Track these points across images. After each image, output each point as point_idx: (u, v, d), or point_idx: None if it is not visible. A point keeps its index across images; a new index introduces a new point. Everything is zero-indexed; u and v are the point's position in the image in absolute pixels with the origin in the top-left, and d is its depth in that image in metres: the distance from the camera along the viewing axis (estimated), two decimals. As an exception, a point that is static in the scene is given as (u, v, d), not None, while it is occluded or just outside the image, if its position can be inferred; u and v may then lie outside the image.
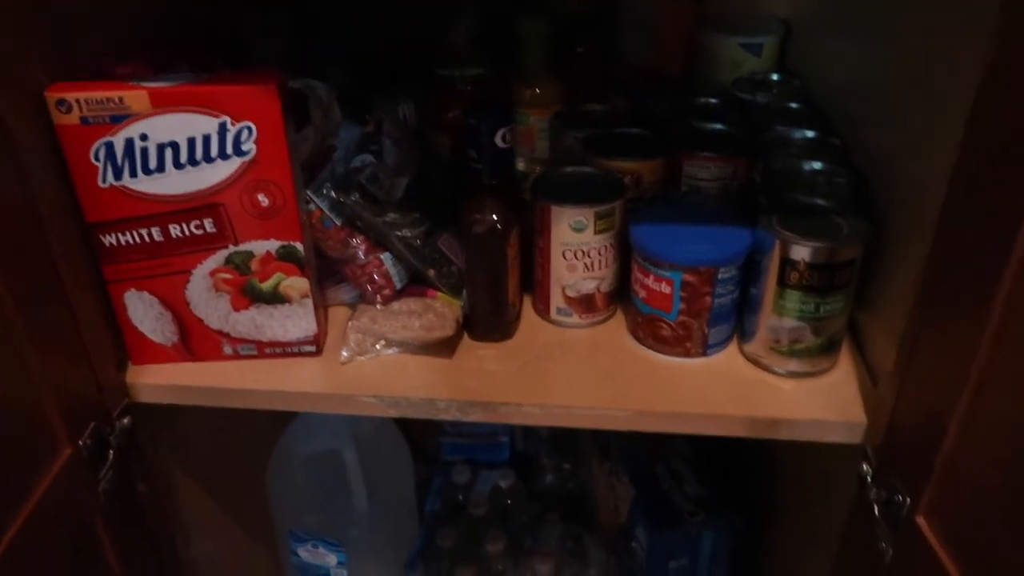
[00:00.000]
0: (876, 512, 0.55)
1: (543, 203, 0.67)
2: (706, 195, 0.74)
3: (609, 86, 0.89)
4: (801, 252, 0.59)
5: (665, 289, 0.64)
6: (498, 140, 0.63)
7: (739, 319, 0.67)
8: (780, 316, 0.62)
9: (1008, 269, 0.42)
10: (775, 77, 0.93)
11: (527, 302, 0.74)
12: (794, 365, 0.63)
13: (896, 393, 0.55)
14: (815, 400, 0.62)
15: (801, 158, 0.72)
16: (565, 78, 0.87)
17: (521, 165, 0.85)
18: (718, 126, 0.79)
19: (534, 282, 0.72)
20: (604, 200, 0.66)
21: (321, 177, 0.68)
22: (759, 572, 1.01)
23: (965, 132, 0.46)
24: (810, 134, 0.78)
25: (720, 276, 0.62)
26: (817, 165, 0.71)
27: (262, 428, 0.98)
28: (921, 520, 0.50)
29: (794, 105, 0.85)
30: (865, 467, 0.57)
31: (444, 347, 0.68)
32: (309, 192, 0.66)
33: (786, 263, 0.60)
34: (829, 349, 0.63)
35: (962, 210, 0.47)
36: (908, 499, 0.51)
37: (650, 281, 0.64)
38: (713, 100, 0.87)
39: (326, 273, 0.72)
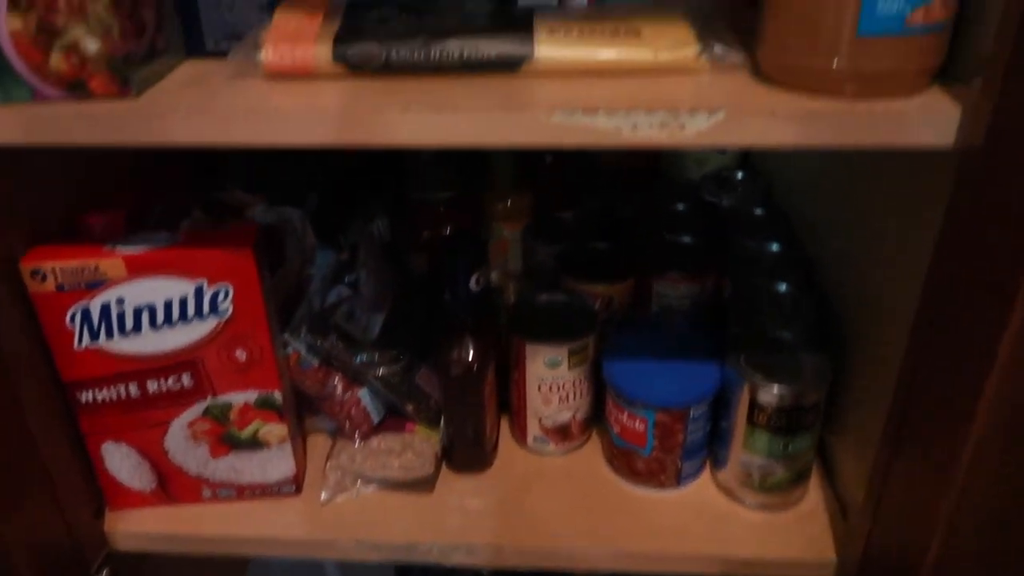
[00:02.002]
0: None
1: (518, 339, 0.68)
2: (677, 315, 0.76)
3: (579, 190, 0.91)
4: (768, 396, 0.61)
5: (639, 427, 0.65)
6: (472, 284, 0.64)
7: (711, 448, 0.68)
8: (750, 453, 0.63)
9: (982, 399, 0.44)
10: (740, 175, 0.96)
11: (505, 424, 0.75)
12: (765, 499, 0.65)
13: (867, 531, 0.57)
14: (785, 537, 0.63)
15: (768, 278, 0.75)
16: (535, 188, 0.89)
17: (495, 276, 0.86)
18: (686, 238, 0.82)
19: (511, 408, 0.73)
20: (577, 335, 0.68)
21: (298, 316, 0.68)
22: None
23: (932, 259, 0.48)
24: (775, 247, 0.81)
25: (692, 414, 0.64)
26: (783, 287, 0.74)
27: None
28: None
29: (759, 211, 0.88)
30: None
31: (424, 482, 0.68)
32: (286, 335, 0.67)
33: (754, 405, 0.62)
34: (799, 480, 0.65)
35: (931, 340, 0.48)
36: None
37: (624, 418, 0.66)
38: (680, 206, 0.89)
39: (305, 402, 0.72)
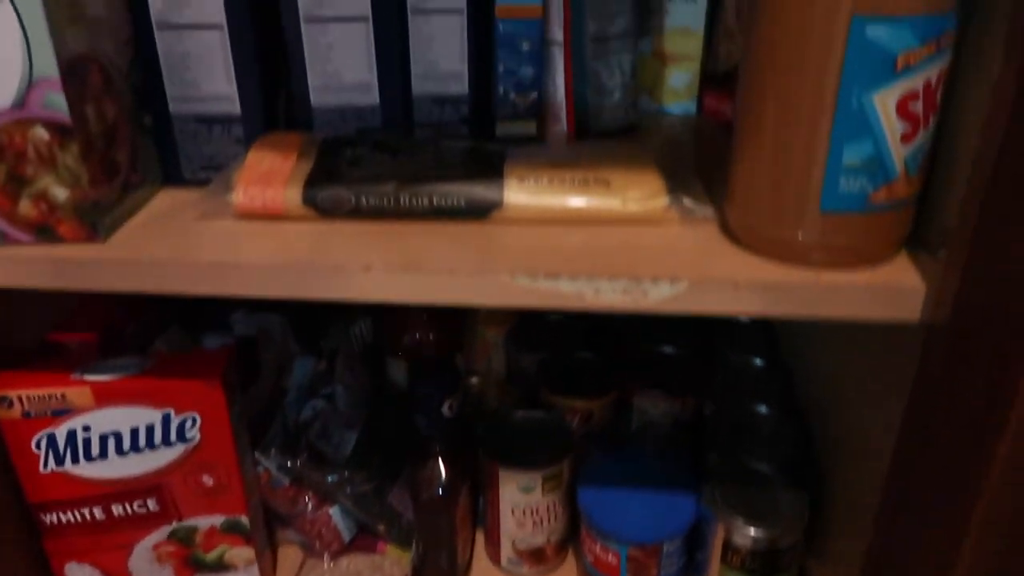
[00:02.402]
0: None
1: (491, 463, 0.67)
2: (656, 434, 0.75)
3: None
4: (743, 539, 0.59)
5: (612, 560, 0.64)
6: (445, 410, 0.64)
7: (688, 578, 0.67)
8: (726, 591, 0.62)
9: (968, 539, 0.43)
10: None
11: (480, 539, 0.73)
12: (742, 638, 0.63)
13: None
14: None
15: (750, 397, 0.74)
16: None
17: (475, 381, 0.86)
18: (670, 349, 0.81)
19: (485, 527, 0.72)
20: (552, 461, 0.66)
21: (270, 434, 0.68)
22: None
23: (903, 418, 0.47)
24: (759, 362, 0.80)
25: (666, 550, 0.63)
26: (764, 409, 0.73)
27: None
28: None
29: (745, 322, 0.87)
30: None
31: (392, 606, 0.67)
32: (257, 453, 0.66)
33: (728, 546, 0.60)
34: (777, 619, 0.63)
35: (912, 472, 0.47)
36: None
37: (597, 549, 0.64)
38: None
39: (276, 516, 0.71)
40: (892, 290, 0.43)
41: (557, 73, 0.61)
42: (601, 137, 0.66)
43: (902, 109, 0.39)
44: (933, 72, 0.39)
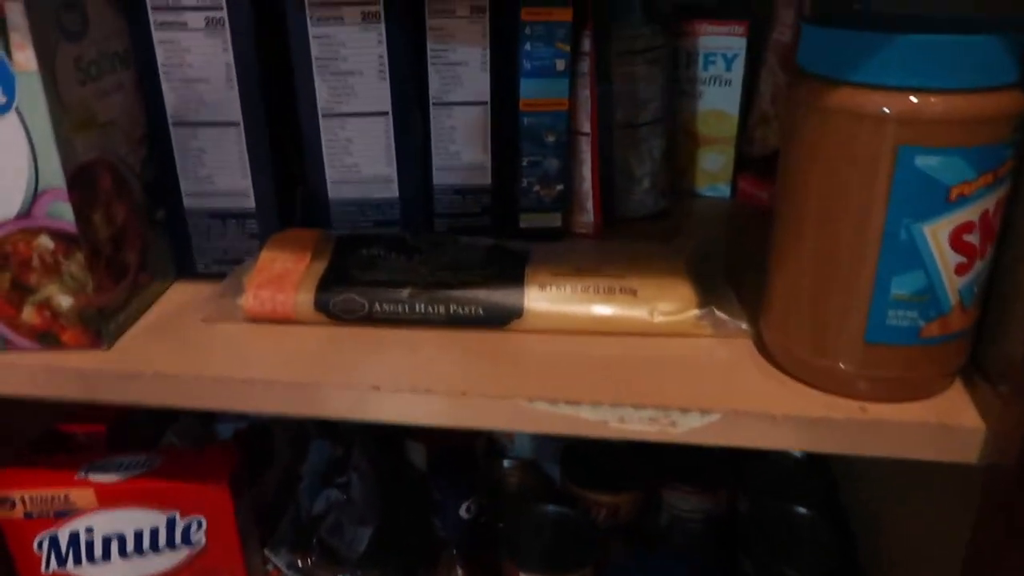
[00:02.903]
0: None
1: (511, 566, 0.63)
2: (685, 533, 0.71)
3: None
4: (779, 668, 0.55)
5: None
6: (463, 512, 0.61)
7: None
8: None
9: None
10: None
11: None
12: None
13: None
14: None
15: (788, 492, 0.69)
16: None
17: (506, 464, 0.82)
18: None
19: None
20: (576, 566, 0.63)
21: (281, 529, 0.65)
22: None
23: (975, 529, 0.42)
24: (798, 455, 0.76)
25: (695, 672, 0.58)
26: (802, 509, 0.68)
27: None
28: None
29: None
30: None
31: None
32: (267, 551, 0.63)
33: (764, 673, 0.56)
34: None
35: None
36: None
37: (621, 666, 0.60)
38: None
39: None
40: (947, 429, 0.39)
41: (584, 163, 0.59)
42: (629, 224, 0.63)
43: (956, 240, 0.36)
44: (991, 202, 0.35)
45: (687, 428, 0.41)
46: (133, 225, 0.49)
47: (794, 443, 0.40)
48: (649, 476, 0.73)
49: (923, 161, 0.34)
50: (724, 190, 0.70)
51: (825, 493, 0.71)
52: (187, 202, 0.53)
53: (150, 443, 0.63)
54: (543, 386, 0.42)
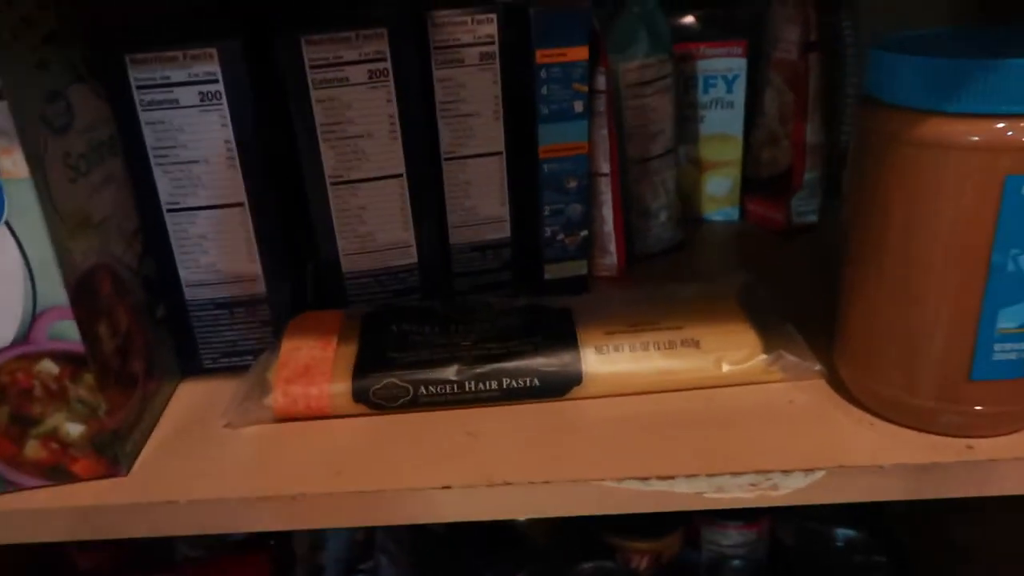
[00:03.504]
0: None
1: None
2: (730, 571, 0.68)
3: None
4: None
5: None
6: (514, 587, 0.56)
7: None
8: None
9: None
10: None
11: None
12: None
13: None
14: None
15: (832, 520, 0.68)
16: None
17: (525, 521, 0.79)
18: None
19: None
20: (635, 627, 0.60)
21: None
22: None
23: None
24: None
25: None
26: (851, 533, 0.67)
27: None
28: None
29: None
30: None
31: None
32: (302, 657, 0.58)
33: None
34: None
35: None
36: None
37: None
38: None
39: None
40: (1060, 460, 0.37)
41: (604, 205, 0.56)
42: (649, 260, 0.61)
43: (1064, 267, 0.34)
44: (1095, 224, 0.34)
45: (791, 490, 0.38)
46: (137, 330, 0.44)
47: (904, 492, 0.38)
48: (687, 514, 0.70)
49: (1033, 190, 0.32)
50: (732, 213, 0.68)
51: (869, 511, 0.70)
52: (189, 293, 0.48)
53: (161, 558, 0.56)
54: (628, 462, 0.39)
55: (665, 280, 0.52)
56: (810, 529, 0.67)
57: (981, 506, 0.51)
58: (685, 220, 0.66)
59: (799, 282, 0.56)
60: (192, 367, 0.50)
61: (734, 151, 0.66)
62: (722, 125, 0.65)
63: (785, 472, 0.38)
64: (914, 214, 0.35)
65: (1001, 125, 0.32)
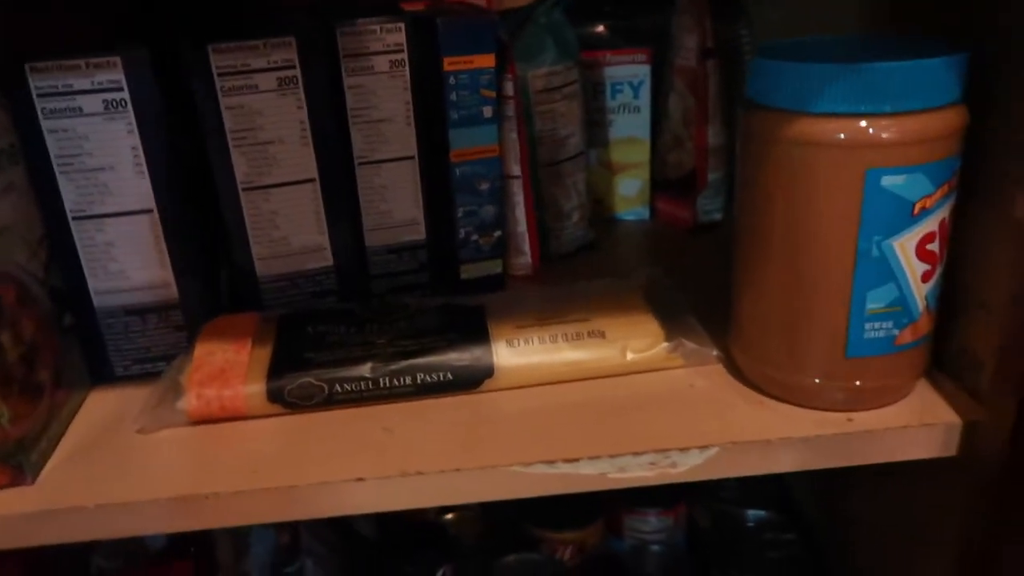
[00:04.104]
0: None
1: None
2: (652, 557, 0.71)
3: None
4: None
5: None
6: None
7: None
8: None
9: None
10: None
11: None
12: None
13: None
14: None
15: (743, 502, 0.71)
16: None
17: (450, 517, 0.79)
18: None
19: None
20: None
21: (239, 637, 0.60)
22: None
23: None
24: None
25: None
26: (761, 513, 0.70)
27: None
28: None
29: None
30: None
31: None
32: (227, 665, 0.58)
33: None
34: None
35: None
36: None
37: None
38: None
39: None
40: (929, 428, 0.40)
41: (517, 206, 0.58)
42: (563, 260, 0.63)
43: (921, 251, 0.37)
44: (946, 211, 0.37)
45: (688, 467, 0.40)
46: (43, 339, 0.43)
47: (791, 464, 0.41)
48: (607, 504, 0.72)
49: (889, 181, 0.35)
50: (643, 212, 0.71)
51: (776, 491, 0.73)
52: (98, 301, 0.47)
53: (76, 572, 0.55)
54: (536, 447, 0.41)
55: (578, 278, 0.55)
56: (723, 512, 0.70)
57: (873, 478, 0.54)
58: (598, 220, 0.69)
59: (704, 276, 0.58)
60: (104, 374, 0.49)
61: (642, 154, 0.69)
62: (630, 129, 0.68)
63: (682, 450, 0.40)
64: (791, 207, 0.38)
65: (861, 122, 0.35)
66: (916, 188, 0.35)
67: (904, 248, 0.37)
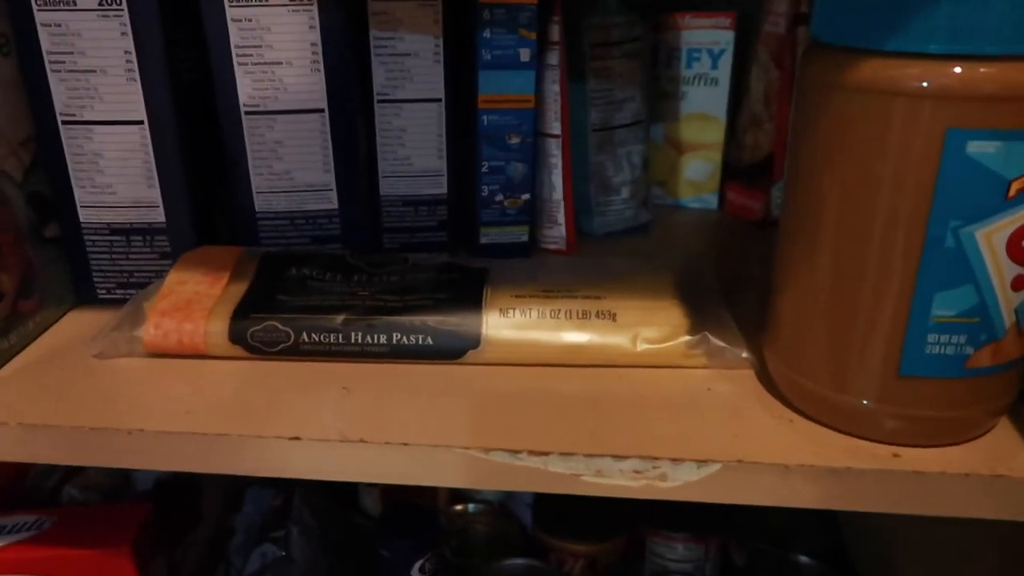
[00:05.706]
0: None
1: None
2: (675, 588, 0.63)
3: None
4: None
5: None
6: (415, 573, 0.52)
7: None
8: None
9: None
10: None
11: None
12: None
13: None
14: None
15: (786, 541, 0.62)
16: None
17: (458, 509, 0.74)
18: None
19: None
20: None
21: (208, 596, 0.56)
22: None
23: None
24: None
25: None
26: (804, 559, 0.61)
27: None
28: None
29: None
30: None
31: None
32: (189, 623, 0.55)
33: None
34: None
35: None
36: None
37: None
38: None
39: None
40: (1003, 480, 0.32)
41: (554, 170, 0.51)
42: (607, 240, 0.56)
43: (1014, 247, 0.28)
44: (1056, 198, 0.28)
45: (680, 483, 0.33)
46: (10, 243, 0.41)
47: (812, 499, 0.33)
48: (631, 521, 0.65)
49: (977, 148, 0.27)
50: (711, 201, 0.63)
51: (830, 540, 0.64)
52: (83, 215, 0.45)
53: (47, 502, 0.53)
54: (503, 433, 0.34)
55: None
56: (762, 551, 0.61)
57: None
58: (659, 205, 0.61)
59: (761, 277, 0.50)
60: (87, 295, 0.47)
61: (716, 134, 0.61)
62: (704, 104, 0.60)
63: (675, 461, 0.33)
64: (844, 178, 0.30)
65: (943, 67, 0.27)
66: (1014, 162, 0.27)
67: (990, 240, 0.28)
